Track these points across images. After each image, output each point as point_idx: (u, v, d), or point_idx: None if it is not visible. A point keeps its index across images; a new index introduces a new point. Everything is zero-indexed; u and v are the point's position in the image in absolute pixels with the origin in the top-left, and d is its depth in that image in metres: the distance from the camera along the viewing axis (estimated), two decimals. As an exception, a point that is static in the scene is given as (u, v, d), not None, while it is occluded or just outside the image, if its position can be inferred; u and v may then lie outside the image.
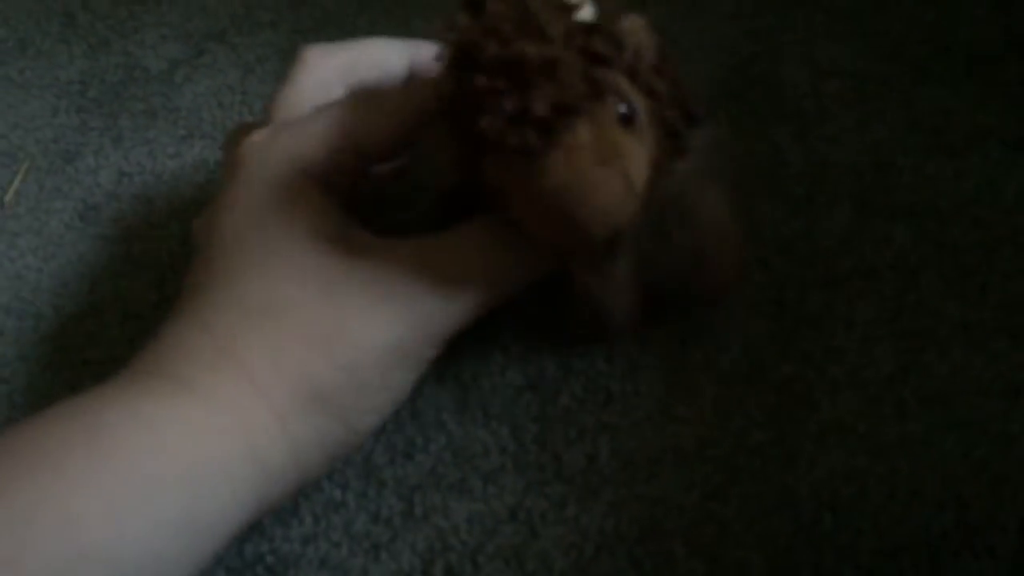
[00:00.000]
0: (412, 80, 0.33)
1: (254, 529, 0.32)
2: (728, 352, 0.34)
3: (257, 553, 0.32)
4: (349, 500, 0.33)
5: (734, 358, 0.34)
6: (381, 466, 0.33)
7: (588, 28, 0.25)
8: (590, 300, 0.29)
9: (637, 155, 0.26)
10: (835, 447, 0.31)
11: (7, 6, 0.57)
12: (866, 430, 0.32)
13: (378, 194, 0.36)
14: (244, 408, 0.27)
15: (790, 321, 0.35)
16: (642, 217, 0.26)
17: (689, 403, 0.33)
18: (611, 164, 0.25)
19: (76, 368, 0.39)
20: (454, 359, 0.35)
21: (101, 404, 0.27)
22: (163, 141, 0.47)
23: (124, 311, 0.40)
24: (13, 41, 0.54)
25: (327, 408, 0.28)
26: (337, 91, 0.33)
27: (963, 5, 0.43)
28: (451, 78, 0.26)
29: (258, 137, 0.31)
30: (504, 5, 0.26)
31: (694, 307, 0.34)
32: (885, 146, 0.39)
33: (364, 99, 0.31)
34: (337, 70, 0.33)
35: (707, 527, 0.31)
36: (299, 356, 0.28)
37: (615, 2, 0.28)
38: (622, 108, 0.26)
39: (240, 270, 0.29)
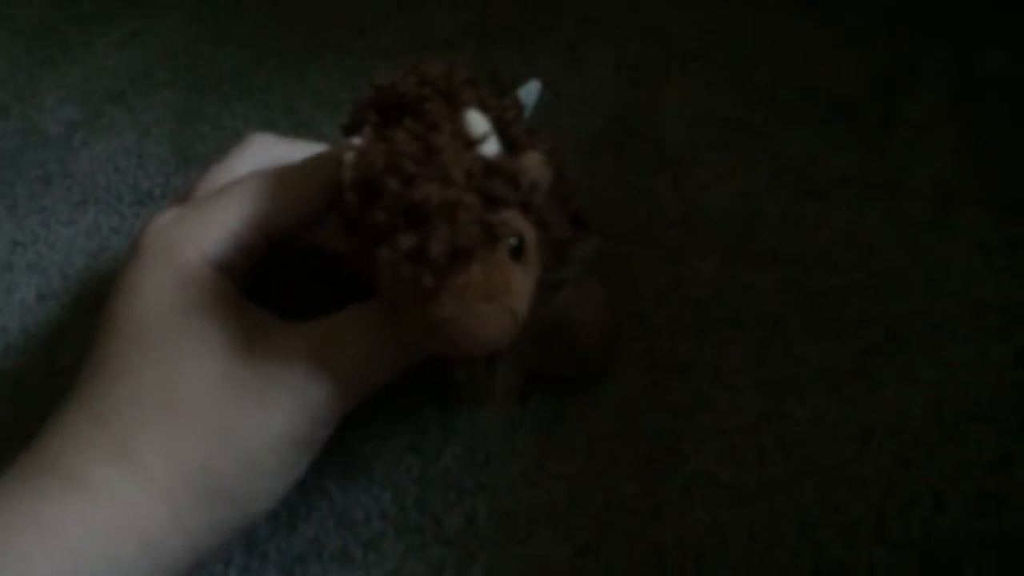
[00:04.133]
0: (313, 159, 0.33)
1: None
2: (602, 406, 0.35)
3: (141, 632, 0.32)
4: None
5: (608, 411, 0.35)
6: (264, 538, 0.34)
7: (488, 168, 0.26)
8: (466, 390, 0.31)
9: (523, 286, 0.27)
10: (700, 497, 0.33)
11: (-96, 71, 0.57)
12: (728, 479, 0.33)
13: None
14: (139, 504, 0.27)
15: (661, 372, 0.36)
16: (522, 331, 0.27)
17: (564, 459, 0.34)
18: (498, 301, 0.26)
19: (-33, 446, 0.39)
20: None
21: None
22: (57, 208, 0.47)
23: (15, 386, 0.40)
24: (-91, 108, 0.54)
25: (223, 497, 0.28)
26: None
27: (827, 53, 0.45)
28: (352, 199, 0.26)
29: (163, 219, 0.31)
30: (408, 136, 0.26)
31: (566, 385, 0.36)
32: (754, 193, 0.40)
33: (267, 179, 0.31)
34: (275, 161, 0.33)
35: (578, 584, 0.32)
36: (195, 450, 0.28)
37: (519, 129, 0.29)
38: (513, 242, 0.26)
39: (136, 361, 0.29)
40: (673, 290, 0.38)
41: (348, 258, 0.28)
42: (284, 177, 0.32)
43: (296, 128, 0.49)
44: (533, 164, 0.27)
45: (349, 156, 0.27)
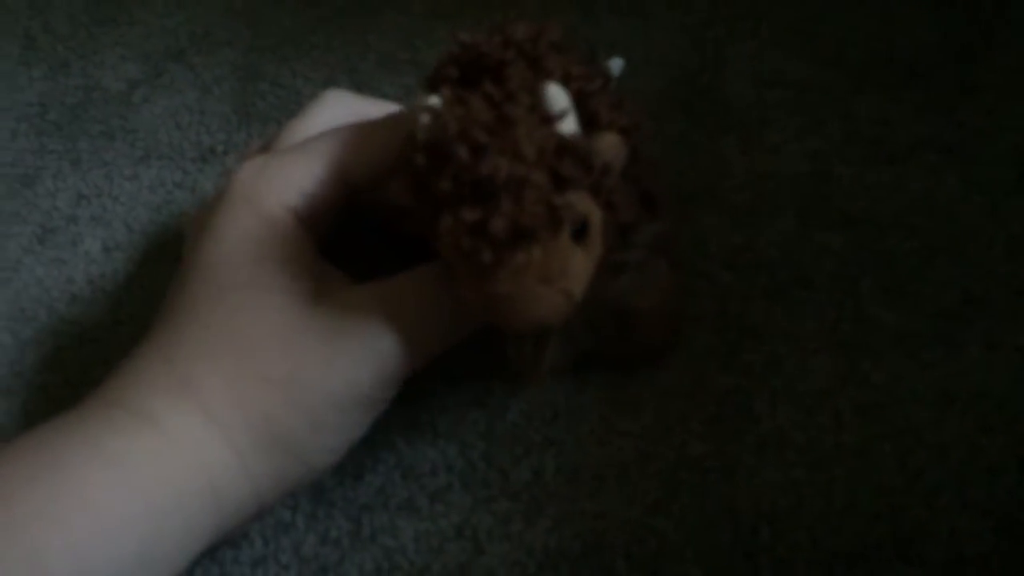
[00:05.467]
0: (396, 115, 0.33)
1: (204, 553, 0.32)
2: (671, 366, 0.35)
3: (208, 577, 0.32)
4: (299, 522, 0.33)
5: (677, 371, 0.35)
6: (331, 487, 0.34)
7: (561, 146, 0.25)
8: (514, 363, 0.30)
9: (583, 269, 0.26)
10: (773, 459, 0.32)
11: (-33, 29, 0.57)
12: (804, 441, 0.32)
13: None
14: (204, 445, 0.27)
15: (732, 333, 0.35)
16: (577, 312, 0.26)
17: (632, 417, 0.34)
18: (555, 284, 0.25)
19: (33, 393, 0.39)
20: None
21: (65, 437, 0.27)
22: (120, 163, 0.48)
23: (81, 335, 0.41)
24: (-27, 65, 0.55)
25: (285, 448, 0.28)
26: None
27: (901, 14, 0.43)
28: (421, 161, 0.26)
29: (249, 167, 0.31)
30: (484, 104, 0.26)
31: (625, 366, 0.35)
32: (826, 155, 0.39)
33: (352, 130, 0.31)
34: (352, 116, 0.33)
35: (648, 541, 0.31)
36: (258, 397, 0.28)
37: (602, 102, 0.28)
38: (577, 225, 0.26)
39: (208, 304, 0.29)
40: (743, 251, 0.37)
41: (412, 215, 0.27)
42: (367, 130, 0.31)
43: (357, 87, 0.49)
44: (608, 145, 0.26)
45: (424, 118, 0.26)
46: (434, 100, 0.26)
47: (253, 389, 0.28)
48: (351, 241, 0.33)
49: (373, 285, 0.30)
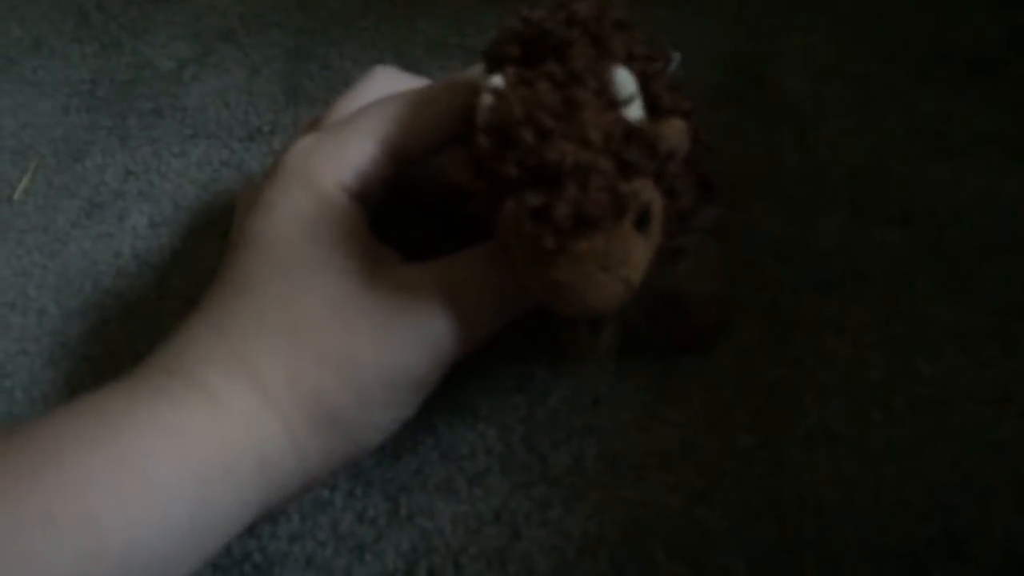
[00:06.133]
0: (450, 85, 0.32)
1: (243, 527, 0.32)
2: (718, 356, 0.34)
3: (245, 551, 0.32)
4: (336, 500, 0.33)
5: (724, 362, 0.34)
6: (369, 467, 0.34)
7: (627, 133, 0.25)
8: (566, 345, 0.30)
9: (642, 256, 0.26)
10: (822, 453, 0.31)
11: (23, 5, 0.58)
12: (854, 436, 0.31)
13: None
14: (256, 419, 0.27)
15: (782, 325, 0.34)
16: (631, 298, 0.26)
17: (677, 406, 0.33)
18: (614, 272, 0.25)
19: (77, 364, 0.40)
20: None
21: (119, 404, 0.27)
22: (169, 140, 0.48)
23: (126, 308, 0.41)
24: (28, 40, 0.55)
25: (335, 425, 0.28)
26: None
27: (964, 8, 0.42)
28: (484, 143, 0.25)
29: (303, 143, 0.31)
30: (550, 85, 0.25)
31: (671, 350, 0.35)
32: (884, 149, 0.38)
33: (403, 104, 0.31)
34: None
35: (690, 532, 0.31)
36: (311, 372, 0.28)
37: (663, 85, 0.28)
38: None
39: (262, 279, 0.29)
40: (796, 243, 0.36)
41: (470, 193, 0.27)
42: (419, 103, 0.31)
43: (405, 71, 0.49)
44: (674, 131, 0.26)
45: (487, 98, 0.26)
46: (497, 80, 0.26)
47: (307, 365, 0.28)
48: (398, 218, 0.33)
49: (427, 265, 0.29)
